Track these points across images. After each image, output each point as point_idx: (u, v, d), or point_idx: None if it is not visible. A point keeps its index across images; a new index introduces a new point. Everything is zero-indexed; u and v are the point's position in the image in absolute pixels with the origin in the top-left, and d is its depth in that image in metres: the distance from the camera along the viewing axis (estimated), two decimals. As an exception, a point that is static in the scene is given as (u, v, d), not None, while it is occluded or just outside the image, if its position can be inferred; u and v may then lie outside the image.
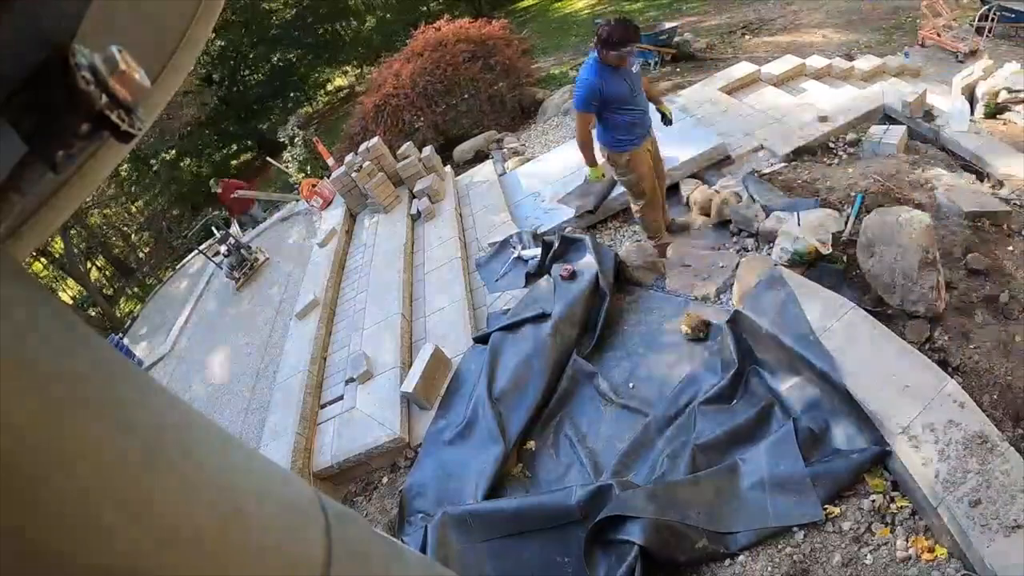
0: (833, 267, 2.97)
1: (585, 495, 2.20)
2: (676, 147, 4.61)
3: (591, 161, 3.39)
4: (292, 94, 15.93)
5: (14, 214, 0.44)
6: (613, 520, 2.09)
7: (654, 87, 3.40)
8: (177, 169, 14.13)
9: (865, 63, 6.43)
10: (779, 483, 2.12)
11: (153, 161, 12.71)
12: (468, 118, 7.12)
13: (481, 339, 3.43)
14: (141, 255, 13.94)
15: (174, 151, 13.25)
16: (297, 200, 7.42)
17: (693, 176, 4.40)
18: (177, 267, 9.19)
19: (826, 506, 2.07)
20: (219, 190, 8.30)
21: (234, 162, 15.74)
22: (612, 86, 3.05)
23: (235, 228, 7.74)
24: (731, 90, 5.62)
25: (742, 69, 5.83)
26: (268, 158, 8.73)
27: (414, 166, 5.70)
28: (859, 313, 2.43)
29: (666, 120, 3.45)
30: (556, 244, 3.90)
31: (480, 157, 6.61)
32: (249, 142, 15.24)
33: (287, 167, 9.16)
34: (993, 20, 7.37)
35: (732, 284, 3.22)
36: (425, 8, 17.00)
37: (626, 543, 2.02)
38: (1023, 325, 2.56)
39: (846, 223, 3.14)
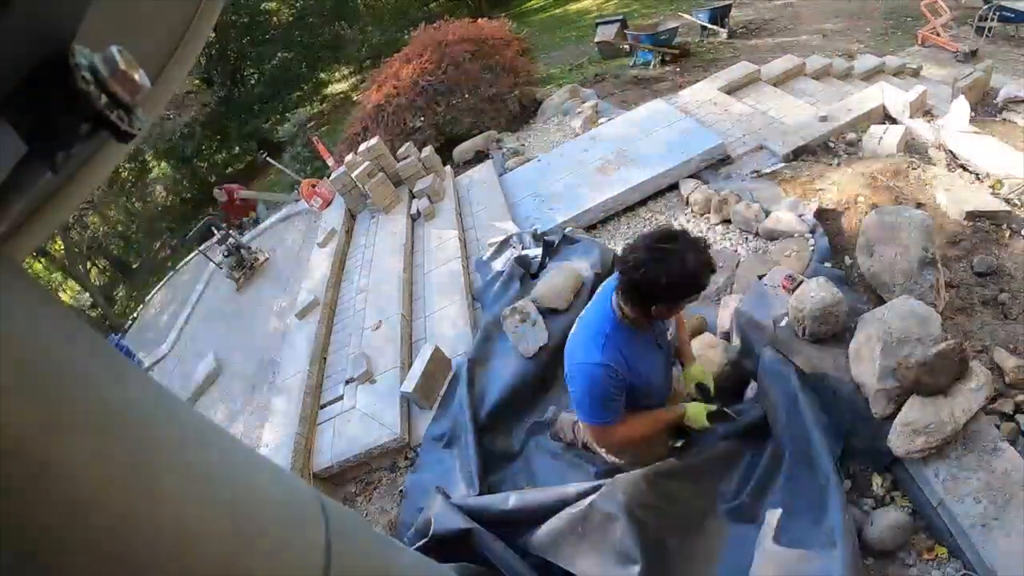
0: (834, 269, 2.97)
1: (586, 489, 2.19)
2: (676, 147, 4.62)
3: (673, 417, 1.98)
4: (293, 95, 15.92)
5: (14, 214, 0.44)
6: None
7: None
8: (177, 170, 14.13)
9: (865, 63, 6.44)
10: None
11: (153, 163, 12.72)
12: (468, 118, 7.11)
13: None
14: (141, 256, 13.94)
15: (174, 158, 13.26)
16: (296, 200, 7.42)
17: (693, 176, 4.41)
18: (177, 267, 9.18)
19: None
20: (224, 199, 8.25)
21: (236, 166, 15.71)
22: (644, 362, 1.78)
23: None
24: (731, 90, 5.62)
25: (742, 69, 5.83)
26: (268, 158, 8.72)
27: (414, 166, 5.70)
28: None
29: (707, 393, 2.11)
30: (556, 243, 3.90)
31: (480, 157, 6.61)
32: (250, 143, 15.24)
33: (286, 168, 9.17)
34: (992, 20, 7.38)
35: (732, 283, 3.22)
36: (426, 8, 16.99)
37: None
38: (1023, 325, 2.56)
39: None
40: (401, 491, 3.00)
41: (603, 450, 2.09)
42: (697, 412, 1.94)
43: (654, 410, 1.93)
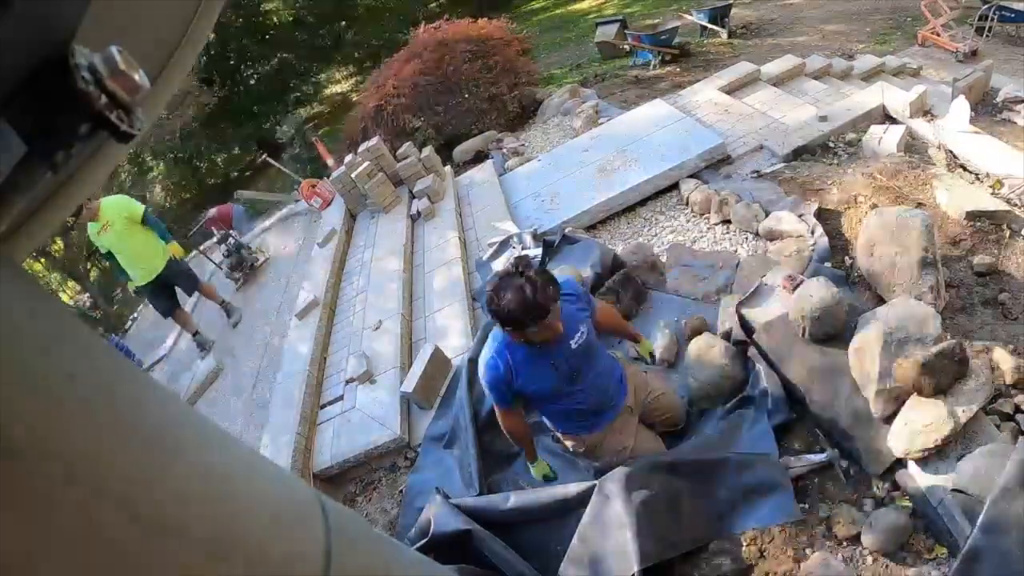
0: (834, 269, 2.97)
1: (585, 489, 2.20)
2: (676, 147, 4.62)
3: (531, 455, 2.34)
4: (292, 95, 15.93)
5: (14, 214, 0.44)
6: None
7: (618, 322, 2.49)
8: (177, 170, 14.13)
9: (864, 63, 6.44)
10: (755, 488, 2.13)
11: (152, 163, 12.73)
12: (468, 118, 7.11)
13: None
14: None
15: (173, 155, 13.26)
16: (296, 200, 7.42)
17: (693, 176, 4.41)
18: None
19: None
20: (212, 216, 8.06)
21: (236, 167, 15.71)
22: (532, 377, 1.99)
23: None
24: (731, 90, 5.63)
25: (742, 69, 5.83)
26: (268, 158, 8.69)
27: (414, 166, 5.70)
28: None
29: (650, 360, 2.62)
30: (556, 243, 3.90)
31: (480, 157, 6.61)
32: (249, 143, 15.25)
33: (286, 168, 9.17)
34: (992, 20, 7.37)
35: (732, 283, 3.22)
36: (425, 8, 16.99)
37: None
38: (1023, 325, 2.56)
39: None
40: (401, 491, 3.00)
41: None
42: (537, 470, 2.36)
43: (530, 437, 2.32)
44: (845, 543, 1.99)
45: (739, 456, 2.22)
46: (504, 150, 6.38)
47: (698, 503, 2.13)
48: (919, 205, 3.22)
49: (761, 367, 2.49)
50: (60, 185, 0.53)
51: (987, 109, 4.75)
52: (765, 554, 2.04)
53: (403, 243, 4.89)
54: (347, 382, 3.70)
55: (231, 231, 6.65)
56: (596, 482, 2.17)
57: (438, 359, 3.36)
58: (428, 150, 5.99)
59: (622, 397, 2.23)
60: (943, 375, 1.92)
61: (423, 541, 2.23)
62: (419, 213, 5.30)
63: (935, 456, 1.90)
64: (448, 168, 6.09)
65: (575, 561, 2.05)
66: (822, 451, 2.22)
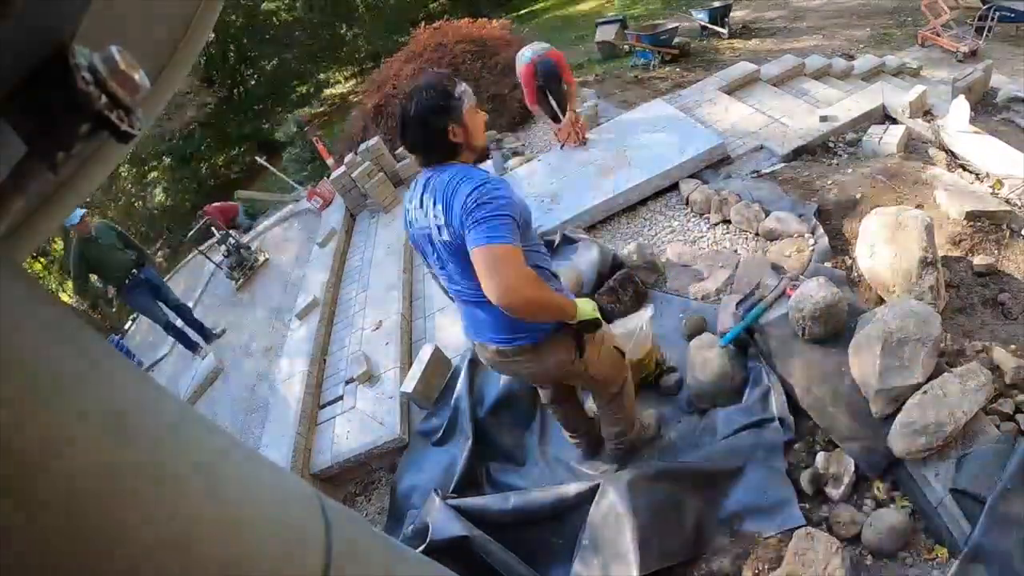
0: (834, 269, 2.97)
1: (585, 489, 2.19)
2: (676, 147, 4.62)
3: (569, 305, 1.72)
4: (292, 96, 15.93)
5: (14, 214, 0.44)
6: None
7: None
8: (177, 170, 14.13)
9: (865, 63, 6.44)
10: (759, 500, 2.14)
11: (153, 162, 12.73)
12: (468, 118, 7.11)
13: None
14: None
15: (170, 157, 13.27)
16: (297, 200, 7.41)
17: (693, 176, 4.40)
18: (177, 267, 9.18)
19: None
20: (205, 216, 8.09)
21: (236, 167, 15.68)
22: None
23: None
24: (731, 90, 5.62)
25: (742, 69, 5.83)
26: (264, 162, 8.60)
27: (414, 166, 5.71)
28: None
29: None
30: (556, 243, 3.90)
31: (480, 157, 6.61)
32: (250, 143, 15.22)
33: (284, 168, 9.13)
34: (992, 20, 7.38)
35: (732, 283, 3.22)
36: (425, 8, 17.00)
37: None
38: (1023, 325, 2.56)
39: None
40: (392, 487, 3.01)
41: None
42: (584, 309, 1.74)
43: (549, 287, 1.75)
44: (845, 543, 1.99)
45: (743, 469, 2.22)
46: (504, 150, 6.37)
47: (701, 511, 2.13)
48: (919, 205, 3.22)
49: (762, 367, 2.48)
50: (60, 185, 0.53)
51: (987, 109, 4.75)
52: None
53: (403, 243, 4.89)
54: (347, 382, 3.70)
55: (231, 231, 6.65)
56: (598, 483, 2.17)
57: (438, 359, 3.36)
58: (428, 150, 5.99)
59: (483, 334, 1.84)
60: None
61: (422, 546, 2.23)
62: (419, 213, 5.30)
63: (935, 456, 1.90)
64: (448, 168, 6.08)
65: (585, 561, 2.05)
66: (824, 451, 2.21)
